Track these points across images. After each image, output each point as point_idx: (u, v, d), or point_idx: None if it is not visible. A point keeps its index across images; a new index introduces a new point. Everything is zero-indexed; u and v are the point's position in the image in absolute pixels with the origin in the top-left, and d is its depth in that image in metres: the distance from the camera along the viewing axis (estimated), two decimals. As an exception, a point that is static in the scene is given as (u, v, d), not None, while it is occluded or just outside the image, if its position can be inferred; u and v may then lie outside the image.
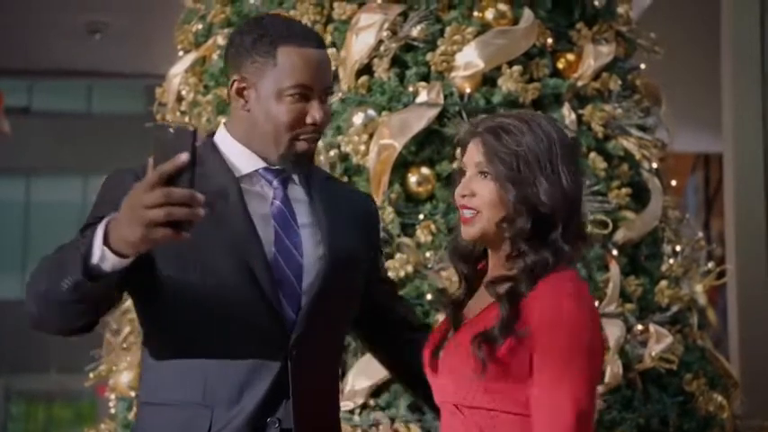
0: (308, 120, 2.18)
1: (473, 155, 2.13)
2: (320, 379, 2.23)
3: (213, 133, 2.31)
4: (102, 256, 1.86)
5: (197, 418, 2.12)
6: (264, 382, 2.13)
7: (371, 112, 3.46)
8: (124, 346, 3.75)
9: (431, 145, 3.47)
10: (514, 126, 2.10)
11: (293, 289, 2.17)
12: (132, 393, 3.64)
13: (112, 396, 3.78)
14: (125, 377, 3.66)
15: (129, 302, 3.85)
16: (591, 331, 2.04)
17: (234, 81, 2.23)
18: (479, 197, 2.10)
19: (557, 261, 2.07)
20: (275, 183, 2.23)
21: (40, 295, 1.98)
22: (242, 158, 2.23)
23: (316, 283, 2.19)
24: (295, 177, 2.28)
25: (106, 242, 1.84)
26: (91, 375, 3.85)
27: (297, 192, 2.27)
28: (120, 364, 3.71)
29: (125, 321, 3.82)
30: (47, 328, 2.05)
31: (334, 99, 3.45)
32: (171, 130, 1.77)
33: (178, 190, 1.74)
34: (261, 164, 2.23)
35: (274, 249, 2.17)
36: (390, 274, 3.14)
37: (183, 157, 1.73)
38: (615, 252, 3.54)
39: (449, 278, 3.21)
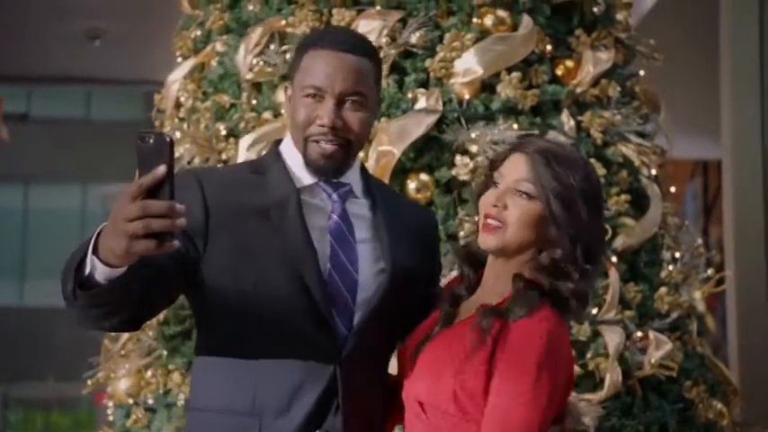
0: (318, 120, 2.18)
1: (515, 170, 2.14)
2: (369, 391, 2.23)
3: (280, 141, 2.33)
4: (93, 266, 1.86)
5: (246, 427, 2.13)
6: (314, 392, 2.13)
7: (370, 118, 3.45)
8: (122, 353, 3.73)
9: (430, 151, 3.45)
10: (566, 158, 2.13)
11: (346, 304, 2.17)
12: (130, 401, 3.63)
13: (110, 403, 3.77)
14: (123, 384, 3.65)
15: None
16: (562, 363, 2.07)
17: (286, 88, 2.32)
18: (510, 213, 2.11)
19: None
20: (334, 196, 2.23)
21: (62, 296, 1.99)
22: (303, 169, 2.25)
23: (374, 298, 2.19)
24: (356, 191, 2.27)
25: (96, 252, 1.85)
26: (89, 383, 3.83)
27: (358, 206, 2.27)
28: (119, 371, 3.69)
29: (123, 328, 3.80)
30: (84, 326, 2.04)
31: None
32: (150, 140, 1.78)
33: (155, 202, 1.75)
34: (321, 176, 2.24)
35: (330, 265, 2.17)
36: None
37: (161, 170, 1.75)
38: (614, 259, 3.53)
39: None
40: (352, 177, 2.28)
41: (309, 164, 2.21)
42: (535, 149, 2.13)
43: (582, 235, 2.09)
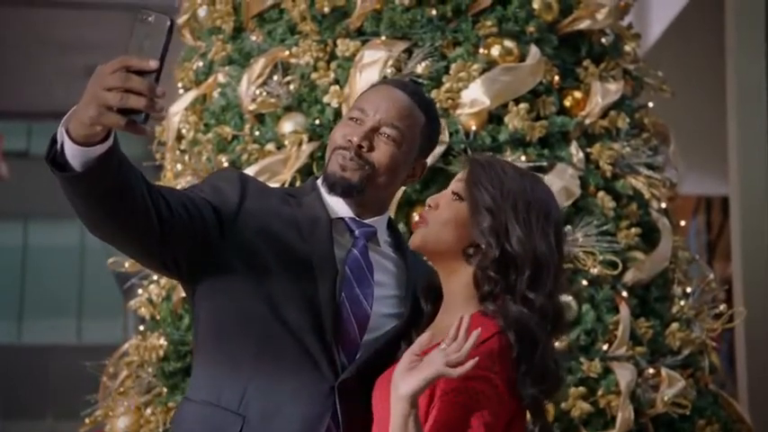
0: (348, 136, 2.23)
1: (459, 176, 2.18)
2: (365, 424, 2.16)
3: (318, 177, 2.38)
4: (62, 141, 1.84)
5: (228, 424, 2.11)
6: (304, 409, 2.12)
7: (376, 149, 3.41)
8: (121, 390, 3.68)
9: (436, 183, 3.39)
10: (506, 170, 2.15)
11: (354, 334, 2.17)
12: (129, 440, 3.57)
13: (109, 442, 3.71)
14: (122, 422, 3.59)
15: (126, 345, 3.79)
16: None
17: None
18: (438, 212, 2.14)
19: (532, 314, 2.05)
20: (357, 232, 2.25)
21: None
22: (333, 205, 2.27)
23: (382, 339, 2.19)
24: (381, 240, 2.30)
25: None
26: (87, 421, 3.78)
27: (381, 256, 2.29)
28: (117, 409, 3.64)
29: (122, 365, 3.75)
30: (89, 228, 2.10)
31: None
32: (149, 18, 1.73)
33: (138, 78, 1.71)
34: (350, 213, 2.26)
35: (343, 294, 2.17)
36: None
37: (153, 64, 1.72)
38: (625, 293, 3.48)
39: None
40: (379, 226, 2.31)
41: (327, 177, 2.25)
42: (485, 159, 2.19)
43: (507, 245, 2.05)
